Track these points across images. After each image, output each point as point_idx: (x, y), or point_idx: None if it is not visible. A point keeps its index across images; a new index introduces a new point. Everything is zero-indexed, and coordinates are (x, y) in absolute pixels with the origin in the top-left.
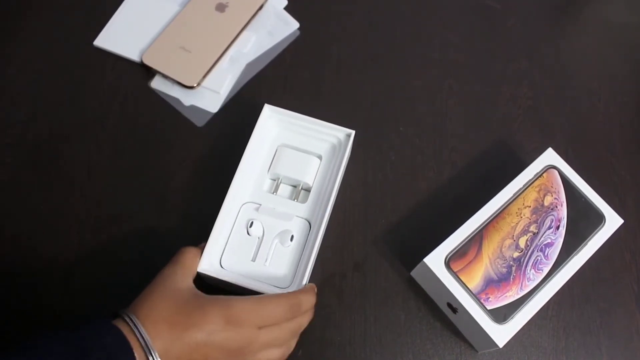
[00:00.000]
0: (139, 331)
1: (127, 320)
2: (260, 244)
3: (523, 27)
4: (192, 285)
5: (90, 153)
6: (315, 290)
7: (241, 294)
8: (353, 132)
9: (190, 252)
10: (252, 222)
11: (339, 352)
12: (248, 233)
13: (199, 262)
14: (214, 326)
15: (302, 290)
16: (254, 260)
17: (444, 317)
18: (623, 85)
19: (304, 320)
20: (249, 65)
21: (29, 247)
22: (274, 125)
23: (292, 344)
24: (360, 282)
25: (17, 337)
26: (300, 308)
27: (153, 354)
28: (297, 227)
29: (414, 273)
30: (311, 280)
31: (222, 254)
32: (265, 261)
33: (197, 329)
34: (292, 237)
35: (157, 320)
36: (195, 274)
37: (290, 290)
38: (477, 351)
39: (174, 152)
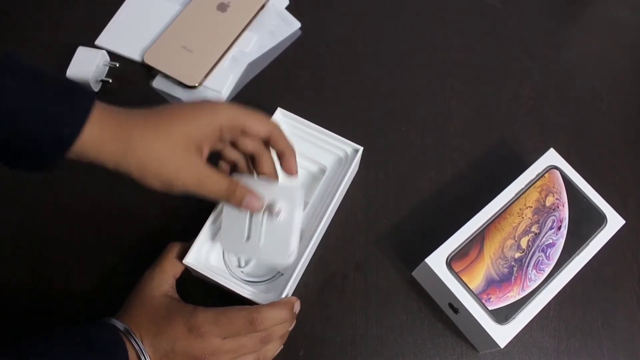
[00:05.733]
0: (131, 335)
1: (118, 326)
2: (250, 222)
3: (525, 27)
4: (168, 289)
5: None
6: (294, 303)
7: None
8: (361, 149)
9: (172, 253)
10: None
11: (340, 352)
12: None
13: (181, 267)
14: (178, 335)
15: (268, 305)
16: (248, 238)
17: (445, 317)
18: (625, 86)
19: (275, 330)
20: (251, 65)
21: (31, 247)
22: (283, 130)
23: (269, 351)
24: (361, 282)
25: (18, 337)
26: (262, 323)
27: (145, 356)
28: (282, 196)
29: (415, 273)
30: (311, 280)
31: (219, 233)
32: (259, 241)
33: (164, 336)
34: (280, 207)
35: (136, 326)
36: (176, 275)
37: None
38: (478, 351)
39: None
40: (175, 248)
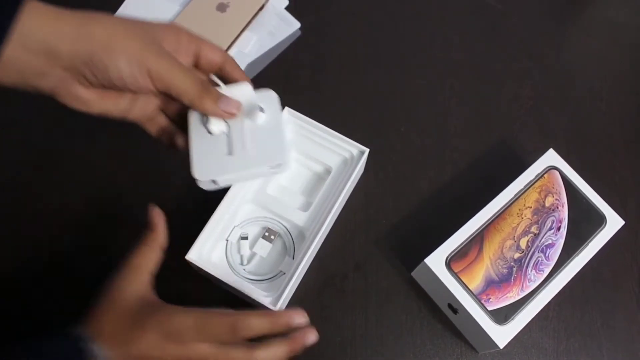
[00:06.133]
0: (91, 348)
1: (80, 337)
2: (230, 136)
3: (524, 27)
4: (142, 290)
5: (91, 153)
6: (291, 317)
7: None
8: (367, 150)
9: (146, 244)
10: (207, 119)
11: (340, 352)
12: (209, 132)
13: (157, 257)
14: (152, 342)
15: (256, 313)
16: (231, 153)
17: (444, 317)
18: (625, 86)
19: (269, 352)
20: (250, 65)
21: (29, 246)
22: (290, 130)
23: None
24: (361, 283)
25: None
26: (245, 330)
27: None
28: (259, 100)
29: (414, 273)
30: (311, 280)
31: (190, 166)
32: (247, 150)
33: (134, 344)
34: (261, 108)
35: (100, 334)
36: (152, 270)
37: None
38: (477, 352)
39: (176, 152)
40: (150, 238)
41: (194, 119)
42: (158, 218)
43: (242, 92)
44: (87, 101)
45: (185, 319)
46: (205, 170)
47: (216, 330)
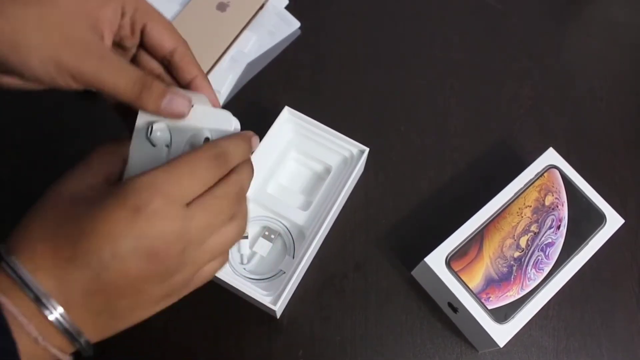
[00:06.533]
0: (15, 273)
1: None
2: (169, 154)
3: (524, 27)
4: (93, 186)
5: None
6: (251, 137)
7: None
8: (367, 150)
9: (105, 148)
10: (151, 126)
11: (339, 351)
12: (151, 143)
13: (118, 161)
14: (117, 228)
15: (225, 138)
16: None
17: (444, 316)
18: (624, 85)
19: (242, 177)
20: (250, 65)
21: None
22: (290, 129)
23: (243, 217)
24: (361, 282)
25: None
26: (228, 158)
27: (47, 302)
28: (211, 122)
29: (414, 273)
30: (311, 280)
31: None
32: None
33: (93, 234)
34: (207, 138)
35: (35, 239)
36: (110, 175)
37: None
38: (477, 351)
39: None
40: (106, 145)
41: (141, 121)
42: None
43: (194, 107)
44: (15, 85)
45: (149, 177)
46: None
47: (198, 171)
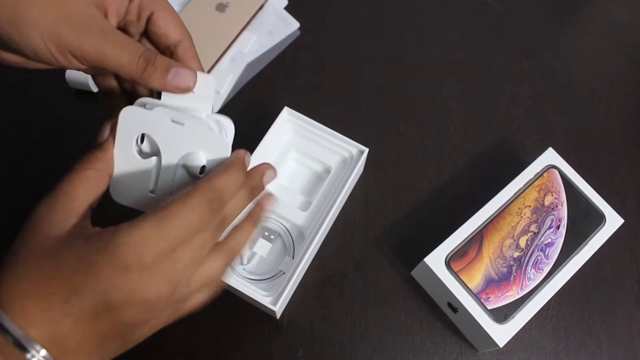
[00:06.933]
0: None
1: None
2: (158, 171)
3: (523, 27)
4: (77, 224)
5: None
6: (244, 157)
7: None
8: (367, 150)
9: (88, 173)
10: (141, 136)
11: (339, 351)
12: (140, 153)
13: (102, 186)
14: (109, 282)
15: (217, 173)
16: (154, 192)
17: (444, 316)
18: (624, 85)
19: (231, 207)
20: (250, 65)
21: None
22: (290, 129)
23: (240, 240)
24: (360, 282)
25: None
26: (222, 198)
27: (33, 352)
28: (205, 146)
29: (414, 273)
30: (311, 280)
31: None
32: (170, 193)
33: (86, 291)
34: (203, 168)
35: (27, 295)
36: (90, 204)
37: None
38: (477, 351)
39: None
40: (96, 158)
41: (125, 118)
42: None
43: (189, 125)
44: (18, 63)
45: (141, 231)
46: (122, 194)
47: (188, 225)
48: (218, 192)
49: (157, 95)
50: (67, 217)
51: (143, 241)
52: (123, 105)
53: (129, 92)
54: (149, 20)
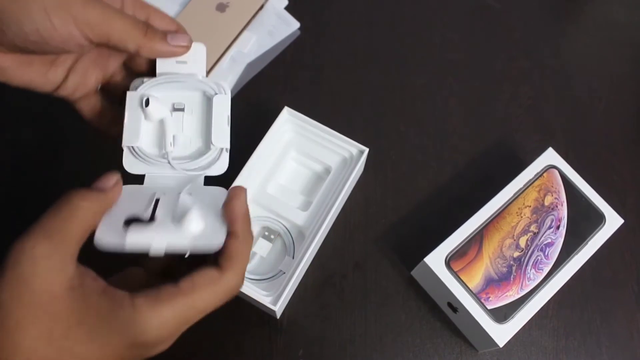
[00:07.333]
0: None
1: None
2: (154, 198)
3: (523, 27)
4: (72, 274)
5: (91, 153)
6: (246, 231)
7: None
8: (367, 150)
9: (83, 205)
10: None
11: (339, 351)
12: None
13: (95, 220)
14: (114, 354)
15: (200, 283)
16: (153, 219)
17: (444, 316)
18: (623, 85)
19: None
20: (250, 65)
21: None
22: (290, 129)
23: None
24: (360, 282)
25: None
26: (239, 285)
27: None
28: (202, 198)
29: (414, 273)
30: (310, 280)
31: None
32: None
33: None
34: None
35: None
36: (79, 242)
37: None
38: (477, 351)
39: None
40: (92, 194)
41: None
42: (116, 185)
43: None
44: (3, 69)
45: (162, 324)
46: (106, 233)
47: (207, 309)
48: (236, 285)
49: (152, 73)
50: (63, 265)
51: (165, 326)
52: (119, 125)
53: (119, 97)
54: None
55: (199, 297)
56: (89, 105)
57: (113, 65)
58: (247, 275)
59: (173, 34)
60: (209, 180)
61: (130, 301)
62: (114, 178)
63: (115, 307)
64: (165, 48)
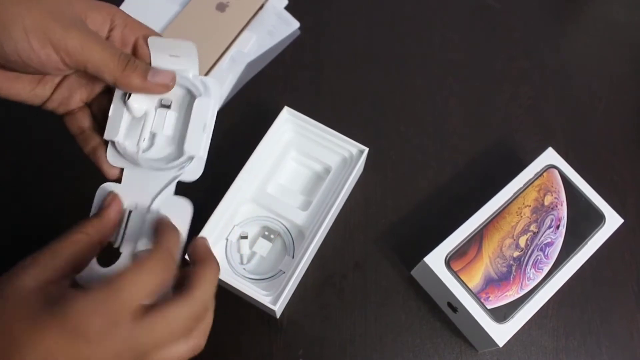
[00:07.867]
0: None
1: None
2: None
3: (523, 27)
4: (54, 278)
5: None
6: (211, 259)
7: None
8: (367, 150)
9: (80, 237)
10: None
11: (339, 351)
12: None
13: (92, 252)
14: (56, 344)
15: (167, 235)
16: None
17: (444, 316)
18: (623, 85)
19: (206, 295)
20: (250, 65)
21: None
22: (290, 129)
23: (200, 335)
24: (360, 282)
25: None
26: (174, 257)
27: None
28: (168, 210)
29: (414, 272)
30: (310, 280)
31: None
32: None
33: (30, 351)
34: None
35: None
36: (74, 266)
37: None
38: (477, 350)
39: None
40: (91, 224)
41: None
42: (114, 205)
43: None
44: (23, 51)
45: (96, 298)
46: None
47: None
48: (204, 307)
49: None
50: (44, 271)
51: (92, 304)
52: (101, 146)
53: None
54: (135, 46)
55: (130, 277)
56: (72, 121)
57: (100, 86)
58: (247, 274)
59: (155, 71)
60: (190, 184)
61: (73, 292)
62: (114, 203)
63: (64, 295)
64: (143, 85)
